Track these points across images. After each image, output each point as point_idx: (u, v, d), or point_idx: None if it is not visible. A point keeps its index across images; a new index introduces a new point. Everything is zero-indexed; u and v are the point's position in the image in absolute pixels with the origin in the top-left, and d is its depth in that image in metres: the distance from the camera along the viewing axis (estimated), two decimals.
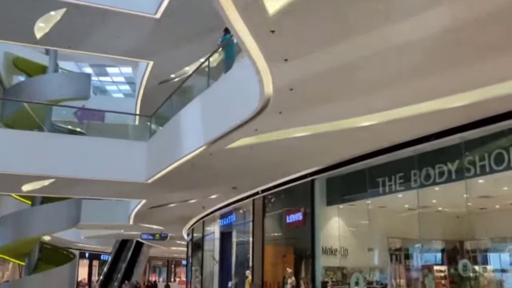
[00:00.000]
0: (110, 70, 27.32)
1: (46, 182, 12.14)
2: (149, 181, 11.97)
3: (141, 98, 17.57)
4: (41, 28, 13.02)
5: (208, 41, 13.46)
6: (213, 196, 14.67)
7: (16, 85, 16.84)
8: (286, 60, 4.86)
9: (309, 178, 11.01)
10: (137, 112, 18.09)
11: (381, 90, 5.90)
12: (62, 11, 11.96)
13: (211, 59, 10.37)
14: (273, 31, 4.22)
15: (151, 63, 15.21)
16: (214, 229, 18.39)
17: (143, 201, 16.07)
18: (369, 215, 10.06)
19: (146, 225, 22.93)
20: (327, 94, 6.08)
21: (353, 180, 9.95)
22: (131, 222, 19.78)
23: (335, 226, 11.02)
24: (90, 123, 15.24)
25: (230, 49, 8.46)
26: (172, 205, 16.28)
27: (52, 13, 12.19)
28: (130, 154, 12.16)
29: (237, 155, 9.22)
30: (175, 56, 14.65)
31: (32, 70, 17.12)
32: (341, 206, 10.92)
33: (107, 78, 28.26)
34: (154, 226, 23.62)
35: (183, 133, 9.80)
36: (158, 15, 12.16)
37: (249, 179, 12.13)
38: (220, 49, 9.31)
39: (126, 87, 29.41)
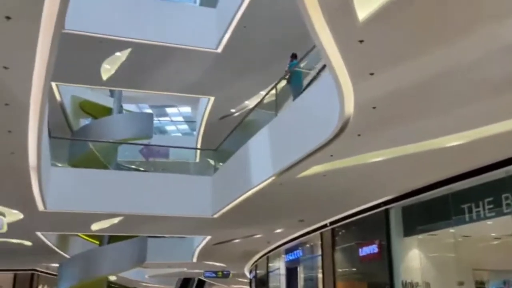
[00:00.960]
0: (169, 110, 28.02)
1: (115, 220, 12.19)
2: (215, 216, 11.76)
3: (202, 134, 17.63)
4: (106, 69, 13.42)
5: (268, 72, 13.42)
6: (279, 230, 14.25)
7: (83, 127, 17.37)
8: (372, 74, 4.52)
9: (383, 208, 10.41)
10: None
11: (473, 104, 5.42)
12: (127, 51, 12.27)
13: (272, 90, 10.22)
14: (361, 41, 3.92)
15: (212, 98, 15.29)
16: (279, 265, 17.84)
17: (208, 238, 15.87)
18: (453, 245, 9.29)
19: (209, 263, 22.68)
20: (412, 111, 5.65)
21: (434, 207, 9.26)
22: (194, 259, 19.60)
23: (415, 259, 10.26)
24: (152, 162, 15.43)
25: (298, 75, 8.24)
26: (236, 240, 15.96)
27: (118, 54, 12.54)
28: (196, 190, 12.05)
29: (308, 184, 8.84)
30: (235, 90, 14.66)
31: (97, 112, 17.67)
32: (420, 236, 10.18)
33: (166, 118, 28.93)
34: (217, 264, 23.32)
35: (251, 164, 9.56)
36: (219, 50, 12.24)
37: (318, 211, 11.66)
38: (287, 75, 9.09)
39: (185, 127, 29.97)
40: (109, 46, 11.94)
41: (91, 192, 11.21)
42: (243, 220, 12.28)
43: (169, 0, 13.05)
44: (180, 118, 29.36)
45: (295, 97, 8.04)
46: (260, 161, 9.15)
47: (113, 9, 11.66)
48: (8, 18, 3.82)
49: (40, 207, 10.53)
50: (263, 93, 15.26)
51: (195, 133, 21.08)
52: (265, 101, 15.05)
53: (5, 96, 5.62)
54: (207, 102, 15.65)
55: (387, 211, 10.41)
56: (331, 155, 7.07)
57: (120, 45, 11.91)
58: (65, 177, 11.35)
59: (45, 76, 5.31)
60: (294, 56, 8.75)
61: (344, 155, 7.20)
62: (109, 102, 17.79)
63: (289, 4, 10.39)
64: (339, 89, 4.91)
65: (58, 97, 15.15)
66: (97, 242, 16.81)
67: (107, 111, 17.59)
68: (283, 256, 17.30)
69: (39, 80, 5.37)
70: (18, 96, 5.67)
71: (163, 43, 11.88)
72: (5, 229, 10.72)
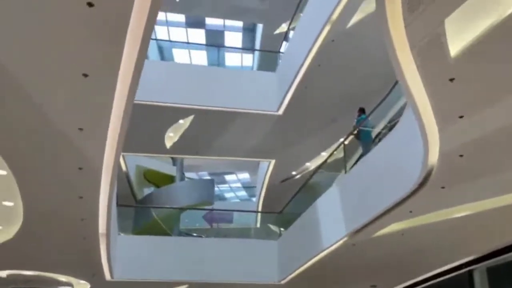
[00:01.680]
0: (227, 177, 28.20)
1: None
2: (282, 282, 11.24)
3: (263, 198, 17.38)
4: (170, 137, 13.70)
5: (329, 132, 13.26)
6: None
7: (146, 196, 17.62)
8: (461, 116, 4.20)
9: (466, 269, 9.55)
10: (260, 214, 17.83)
11: None
12: (190, 118, 12.51)
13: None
14: (452, 79, 3.65)
15: (272, 161, 15.17)
16: None
17: None
18: None
19: None
20: (503, 160, 5.20)
21: None
22: None
23: None
24: (212, 229, 15.20)
25: (366, 130, 7.99)
26: None
27: (181, 121, 12.81)
28: (261, 255, 11.65)
29: (383, 244, 8.28)
30: (296, 152, 14.51)
31: (160, 180, 17.95)
32: None
33: (225, 185, 29.10)
34: None
35: (320, 225, 9.15)
36: (280, 112, 12.26)
37: (392, 274, 10.85)
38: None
39: (243, 193, 29.95)
40: (173, 114, 12.24)
41: (156, 260, 11.07)
42: (312, 286, 11.65)
43: (228, 67, 13.47)
44: (239, 185, 29.45)
45: (365, 152, 7.73)
46: (331, 222, 8.74)
47: (175, 78, 12.05)
48: (85, 75, 3.88)
49: (107, 276, 10.46)
50: (324, 153, 15.07)
51: (253, 199, 20.89)
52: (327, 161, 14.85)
53: (79, 160, 5.67)
54: (268, 166, 15.53)
55: (470, 273, 9.52)
56: (410, 211, 6.61)
57: (183, 112, 12.17)
58: (130, 245, 11.32)
59: (118, 141, 5.35)
60: (362, 110, 8.55)
61: (425, 211, 6.71)
62: (171, 171, 18.07)
63: (351, 61, 10.46)
64: (423, 135, 4.59)
65: (124, 167, 15.53)
66: None
67: (170, 179, 17.84)
68: None
69: (112, 145, 5.41)
70: (91, 161, 5.70)
71: (225, 108, 12.08)
72: None
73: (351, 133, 8.50)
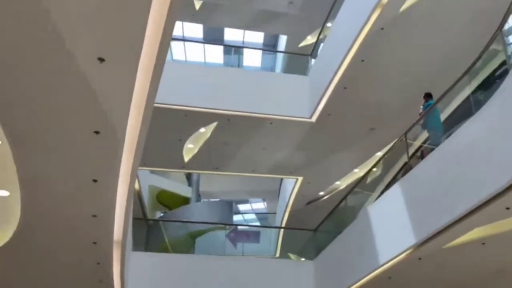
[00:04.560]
0: (241, 207, 26.81)
1: None
2: None
3: (285, 223, 15.92)
4: (189, 150, 12.47)
5: (367, 143, 12.00)
6: None
7: (161, 217, 16.25)
8: None
9: None
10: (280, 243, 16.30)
11: None
12: (212, 126, 11.31)
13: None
14: None
15: (300, 179, 13.84)
16: None
17: None
18: None
19: None
20: None
21: None
22: None
23: None
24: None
25: (436, 115, 6.76)
26: None
27: (202, 129, 11.61)
28: (295, 277, 10.20)
29: (456, 259, 6.86)
30: (327, 167, 13.20)
31: (174, 203, 16.60)
32: None
33: (239, 217, 27.67)
34: None
35: (374, 238, 7.72)
36: (313, 119, 11.05)
37: None
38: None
39: (257, 223, 28.47)
40: (194, 120, 11.03)
41: (173, 281, 9.67)
42: None
43: (253, 69, 12.36)
44: (253, 216, 28.04)
45: (434, 141, 6.48)
46: (387, 233, 7.36)
47: (194, 80, 10.92)
48: (97, 132, 3.97)
49: None
50: (356, 170, 13.74)
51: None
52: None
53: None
54: (294, 184, 14.17)
55: None
56: (507, 208, 5.25)
57: (205, 118, 10.98)
58: (144, 263, 9.92)
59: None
60: (429, 95, 7.36)
61: None
62: (186, 192, 16.75)
63: (401, 53, 9.31)
64: None
65: (136, 185, 14.25)
66: None
67: (184, 201, 16.49)
68: None
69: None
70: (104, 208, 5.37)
71: (252, 114, 10.90)
72: None
73: (418, 121, 7.22)
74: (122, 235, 6.47)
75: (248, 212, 27.25)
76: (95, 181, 4.75)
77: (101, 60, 3.20)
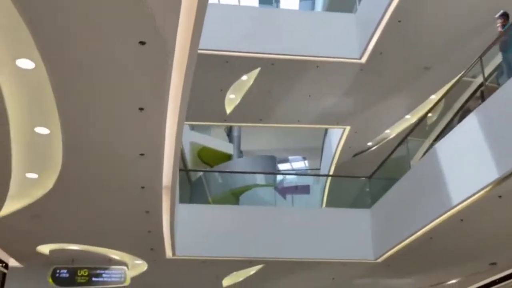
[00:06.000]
0: (281, 166, 26.30)
1: (251, 271, 10.02)
2: (379, 260, 9.20)
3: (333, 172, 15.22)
4: (231, 100, 11.87)
5: (420, 85, 11.11)
6: (452, 282, 11.12)
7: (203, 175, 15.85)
8: None
9: None
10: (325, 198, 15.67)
11: None
12: (255, 72, 10.64)
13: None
14: None
15: (347, 128, 13.08)
16: None
17: None
18: None
19: None
20: None
21: None
22: None
23: None
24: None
25: None
26: None
27: (244, 77, 10.95)
28: (351, 227, 9.65)
29: None
30: (376, 115, 12.37)
31: (216, 160, 16.17)
32: None
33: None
34: None
35: (443, 179, 6.98)
36: (363, 60, 10.21)
37: None
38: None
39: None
40: (235, 67, 10.37)
41: (224, 233, 9.26)
42: (416, 265, 9.55)
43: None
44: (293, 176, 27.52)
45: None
46: (461, 171, 6.63)
47: (237, 24, 10.22)
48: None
49: (168, 253, 8.71)
50: (408, 116, 12.89)
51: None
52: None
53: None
54: (342, 134, 13.45)
55: None
56: None
57: (248, 64, 10.30)
58: (193, 216, 9.53)
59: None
60: (506, 15, 6.46)
61: None
62: (228, 149, 16.28)
63: None
64: None
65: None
66: None
67: (227, 157, 16.05)
68: None
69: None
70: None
71: (297, 57, 10.14)
72: (128, 282, 8.95)
73: (496, 41, 6.33)
74: (172, 180, 6.01)
75: (289, 171, 26.75)
76: (141, 109, 4.21)
77: None
